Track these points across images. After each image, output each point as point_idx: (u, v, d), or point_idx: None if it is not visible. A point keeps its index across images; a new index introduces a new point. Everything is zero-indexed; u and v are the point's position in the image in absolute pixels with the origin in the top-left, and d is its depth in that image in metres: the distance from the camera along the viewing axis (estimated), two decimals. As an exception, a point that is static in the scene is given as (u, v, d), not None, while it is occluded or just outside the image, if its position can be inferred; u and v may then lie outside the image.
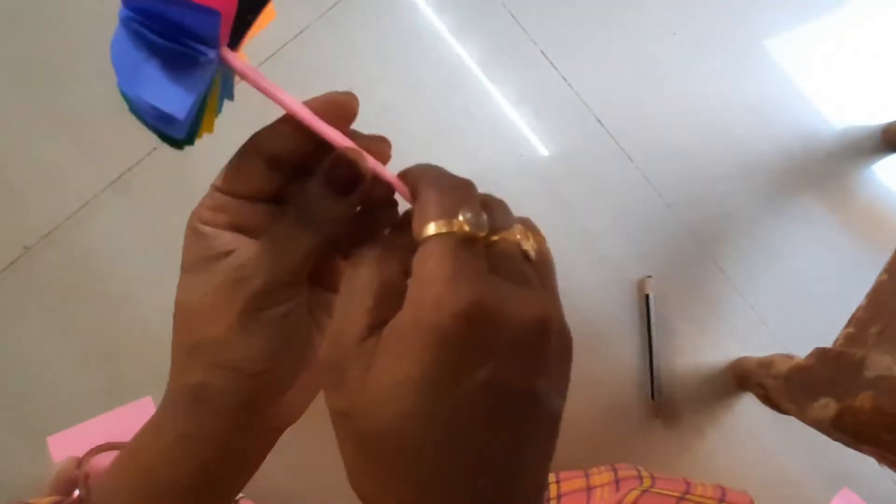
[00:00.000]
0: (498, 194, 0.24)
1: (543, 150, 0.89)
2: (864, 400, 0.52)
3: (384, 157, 0.24)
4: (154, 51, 0.19)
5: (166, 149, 0.23)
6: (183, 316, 0.24)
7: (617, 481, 0.51)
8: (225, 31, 0.20)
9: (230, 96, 0.24)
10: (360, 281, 0.21)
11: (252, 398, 0.24)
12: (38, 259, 0.83)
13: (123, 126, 0.87)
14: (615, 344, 0.87)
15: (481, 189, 0.23)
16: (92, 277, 0.84)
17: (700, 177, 0.90)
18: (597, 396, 0.85)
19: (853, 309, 0.64)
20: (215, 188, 0.24)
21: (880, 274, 0.64)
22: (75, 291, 0.84)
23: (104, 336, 0.83)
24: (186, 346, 0.24)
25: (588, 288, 0.86)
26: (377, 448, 0.20)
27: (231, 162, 0.24)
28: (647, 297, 0.86)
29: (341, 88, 0.23)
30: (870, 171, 0.93)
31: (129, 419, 0.82)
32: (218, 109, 0.23)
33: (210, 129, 0.23)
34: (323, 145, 0.22)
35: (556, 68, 0.90)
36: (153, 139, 0.21)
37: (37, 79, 0.86)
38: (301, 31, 0.87)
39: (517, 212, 0.24)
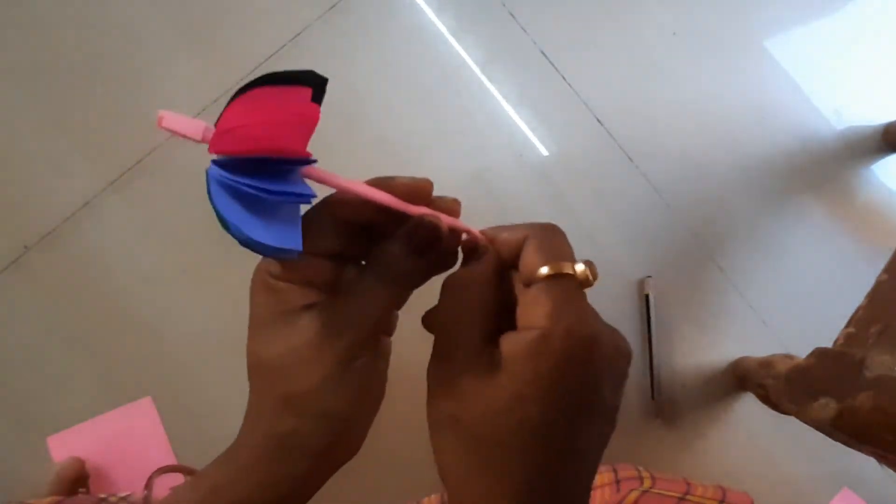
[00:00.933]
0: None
1: (543, 150, 0.89)
2: (864, 400, 0.52)
3: (455, 214, 0.27)
4: (262, 205, 0.21)
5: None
6: (268, 369, 0.25)
7: (617, 481, 0.51)
8: (305, 145, 0.21)
9: None
10: (469, 300, 0.25)
11: (334, 443, 0.26)
12: (38, 259, 0.83)
13: (123, 126, 0.88)
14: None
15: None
16: (92, 277, 0.84)
17: (700, 176, 0.90)
18: (597, 396, 0.85)
19: (853, 309, 0.64)
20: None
21: (880, 274, 0.64)
22: (75, 291, 0.84)
23: (104, 336, 0.83)
24: (277, 397, 0.25)
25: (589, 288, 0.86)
26: (492, 451, 0.23)
27: (305, 219, 0.25)
28: (647, 297, 0.86)
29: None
30: (870, 171, 0.93)
31: (128, 419, 0.82)
32: None
33: None
34: (392, 214, 0.24)
35: (556, 68, 0.90)
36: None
37: (37, 79, 0.86)
38: (301, 31, 0.87)
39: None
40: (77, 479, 0.77)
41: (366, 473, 0.83)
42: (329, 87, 0.23)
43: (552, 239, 0.25)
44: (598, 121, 0.90)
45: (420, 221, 0.24)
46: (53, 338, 0.83)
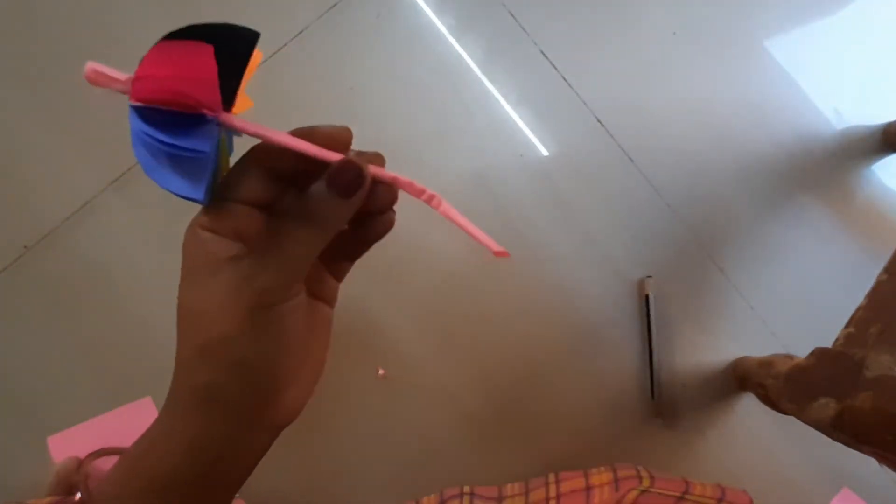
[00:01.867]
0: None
1: (543, 150, 0.89)
2: (864, 400, 0.52)
3: (376, 162, 0.27)
4: (166, 156, 0.22)
5: None
6: (189, 318, 0.25)
7: (616, 481, 0.51)
8: (216, 100, 0.22)
9: (231, 149, 0.26)
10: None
11: (258, 395, 0.25)
12: (38, 259, 0.83)
13: (123, 126, 0.87)
14: (615, 344, 0.87)
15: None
16: (92, 277, 0.84)
17: (700, 176, 0.90)
18: (596, 396, 0.85)
19: (853, 309, 0.64)
20: (217, 199, 0.25)
21: (880, 274, 0.64)
22: (75, 291, 0.84)
23: (104, 336, 0.83)
24: (194, 347, 0.24)
25: (588, 288, 0.86)
26: None
27: (231, 171, 0.25)
28: (647, 297, 0.86)
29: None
30: (870, 171, 0.93)
31: (129, 419, 0.82)
32: (227, 158, 0.26)
33: (225, 172, 0.26)
34: (317, 160, 0.25)
35: (556, 68, 0.90)
36: None
37: (37, 79, 0.86)
38: (301, 31, 0.87)
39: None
40: (77, 480, 0.77)
41: (366, 474, 0.83)
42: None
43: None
44: (598, 121, 0.90)
45: (342, 161, 0.24)
46: (53, 338, 0.83)
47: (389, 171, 0.26)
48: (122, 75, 0.22)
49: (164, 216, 0.85)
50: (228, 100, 0.23)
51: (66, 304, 0.83)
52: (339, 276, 0.31)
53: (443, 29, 0.89)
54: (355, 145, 0.28)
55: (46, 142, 0.85)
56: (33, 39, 0.86)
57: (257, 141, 0.24)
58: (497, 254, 0.27)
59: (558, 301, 0.86)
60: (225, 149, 0.25)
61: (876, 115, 0.93)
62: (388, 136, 0.87)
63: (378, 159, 0.27)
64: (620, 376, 0.87)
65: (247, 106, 0.25)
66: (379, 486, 0.82)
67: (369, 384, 0.82)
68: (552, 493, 0.53)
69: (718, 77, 0.92)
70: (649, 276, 0.87)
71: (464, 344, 0.85)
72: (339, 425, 0.82)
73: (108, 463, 0.81)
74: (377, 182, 0.26)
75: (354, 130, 0.26)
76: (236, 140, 0.27)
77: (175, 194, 0.23)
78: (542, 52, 0.90)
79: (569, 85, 0.90)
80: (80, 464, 0.76)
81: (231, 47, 0.23)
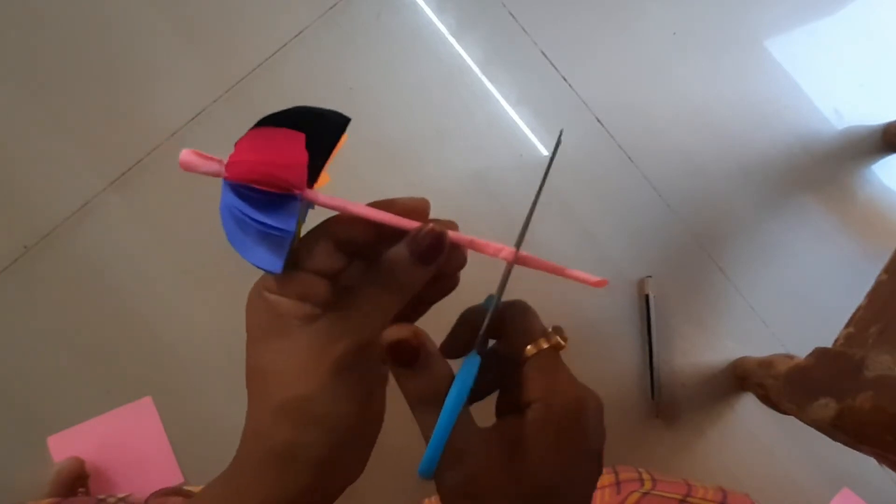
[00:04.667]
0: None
1: (543, 150, 0.89)
2: (864, 400, 0.52)
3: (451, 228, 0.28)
4: (253, 230, 0.24)
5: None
6: (265, 379, 0.25)
7: (618, 483, 0.51)
8: (303, 181, 0.24)
9: (304, 218, 0.27)
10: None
11: (336, 453, 0.26)
12: (38, 259, 0.83)
13: (123, 126, 0.88)
14: (615, 344, 0.87)
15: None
16: (92, 277, 0.84)
17: (700, 177, 0.90)
18: (597, 396, 0.85)
19: (853, 309, 0.64)
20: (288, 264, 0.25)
21: (880, 274, 0.64)
22: (75, 291, 0.83)
23: (104, 336, 0.83)
24: (272, 408, 0.25)
25: (588, 288, 0.86)
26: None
27: (303, 240, 0.26)
28: (647, 297, 0.86)
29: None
30: (870, 171, 0.93)
31: (129, 419, 0.82)
32: (302, 223, 0.27)
33: (298, 239, 0.27)
34: (386, 232, 0.26)
35: (556, 68, 0.90)
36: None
37: (37, 79, 0.86)
38: (301, 31, 0.87)
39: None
40: (77, 479, 0.77)
41: (366, 474, 0.83)
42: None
43: (524, 319, 0.28)
44: (598, 121, 0.90)
45: (425, 227, 0.25)
46: (53, 338, 0.83)
47: (466, 235, 0.27)
48: (215, 160, 0.23)
49: (164, 216, 0.85)
50: (313, 177, 0.25)
51: (65, 303, 0.83)
52: (395, 312, 0.31)
53: (443, 29, 0.89)
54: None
55: (47, 142, 0.85)
56: (33, 40, 0.86)
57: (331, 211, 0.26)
58: (596, 284, 0.28)
59: (558, 301, 0.86)
60: (301, 219, 0.27)
61: (876, 115, 0.93)
62: (387, 135, 0.87)
63: (452, 226, 0.27)
64: (620, 376, 0.87)
65: (325, 181, 0.26)
66: (380, 488, 0.82)
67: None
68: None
69: (718, 77, 0.92)
70: (649, 276, 0.87)
71: (464, 344, 0.85)
72: (340, 425, 0.82)
73: (109, 462, 0.81)
74: (453, 247, 0.26)
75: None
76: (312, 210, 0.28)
77: (254, 264, 0.24)
78: (542, 52, 0.90)
79: (569, 85, 0.90)
80: (81, 464, 0.76)
81: (322, 130, 0.25)
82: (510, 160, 0.88)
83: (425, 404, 0.25)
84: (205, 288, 0.84)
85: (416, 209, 0.26)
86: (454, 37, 0.89)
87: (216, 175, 0.23)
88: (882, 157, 0.93)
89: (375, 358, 0.27)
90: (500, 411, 0.28)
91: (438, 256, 0.25)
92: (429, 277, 0.26)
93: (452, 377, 0.25)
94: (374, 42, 0.88)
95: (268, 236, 0.24)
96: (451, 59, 0.89)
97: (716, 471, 0.87)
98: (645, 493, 0.48)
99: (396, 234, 0.25)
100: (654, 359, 0.85)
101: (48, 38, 0.86)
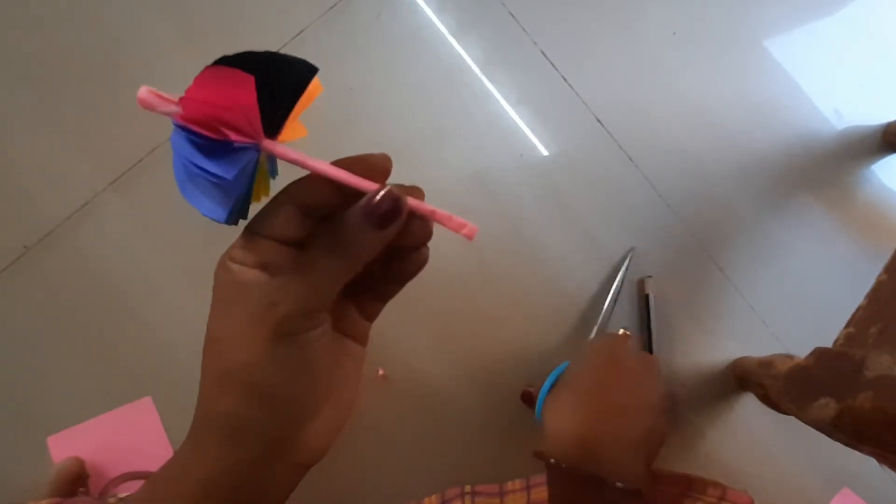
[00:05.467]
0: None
1: (543, 151, 0.89)
2: (864, 400, 0.52)
3: (416, 195, 0.27)
4: (197, 177, 0.23)
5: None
6: (212, 345, 0.25)
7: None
8: (255, 128, 0.23)
9: (275, 174, 0.27)
10: None
11: (279, 427, 0.25)
12: (38, 259, 0.83)
13: (123, 126, 0.88)
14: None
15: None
16: (92, 277, 0.84)
17: (700, 177, 0.90)
18: (597, 396, 0.85)
19: (853, 309, 0.64)
20: (247, 230, 0.25)
21: (880, 274, 0.64)
22: (75, 291, 0.84)
23: (104, 336, 0.83)
24: (215, 375, 0.25)
25: (588, 288, 0.86)
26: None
27: (265, 207, 0.25)
28: (647, 297, 0.86)
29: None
30: (870, 171, 0.93)
31: (129, 419, 0.82)
32: (268, 182, 0.27)
33: (259, 199, 0.26)
34: (352, 196, 0.25)
35: (556, 68, 0.90)
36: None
37: (37, 79, 0.86)
38: (301, 31, 0.87)
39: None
40: (77, 479, 0.77)
41: (367, 474, 0.83)
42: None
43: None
44: (598, 121, 0.90)
45: (382, 189, 0.23)
46: (53, 338, 0.83)
47: (428, 205, 0.25)
48: (174, 101, 0.22)
49: (164, 216, 0.85)
50: (275, 128, 0.24)
51: (66, 304, 0.83)
52: (371, 317, 0.30)
53: (443, 29, 0.89)
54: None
55: (46, 142, 0.85)
56: (32, 39, 0.86)
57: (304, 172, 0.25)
58: (466, 234, 0.26)
59: (558, 300, 0.86)
60: (266, 173, 0.26)
61: (876, 115, 0.93)
62: (387, 136, 0.87)
63: (417, 192, 0.26)
64: (620, 376, 0.87)
65: (299, 134, 0.25)
66: (379, 487, 0.82)
67: (369, 384, 0.82)
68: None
69: (718, 77, 0.92)
70: (649, 276, 0.87)
71: (464, 344, 0.85)
72: (340, 425, 0.82)
73: (109, 462, 0.81)
74: (413, 215, 0.25)
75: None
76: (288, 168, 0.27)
77: (201, 212, 0.24)
78: (542, 52, 0.90)
79: (569, 85, 0.90)
80: (102, 490, 0.76)
81: (284, 78, 0.23)
82: (510, 160, 0.88)
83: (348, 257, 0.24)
84: (205, 288, 0.84)
85: (376, 166, 0.25)
86: (454, 37, 0.89)
87: (172, 114, 0.22)
88: (882, 157, 0.93)
89: (324, 326, 0.25)
90: None
91: (394, 221, 0.24)
92: (383, 245, 0.24)
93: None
94: (374, 42, 0.88)
95: (210, 185, 0.23)
96: (451, 59, 0.89)
97: (716, 471, 0.87)
98: (645, 492, 0.48)
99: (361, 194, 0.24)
100: (654, 359, 0.85)
101: (48, 39, 0.86)
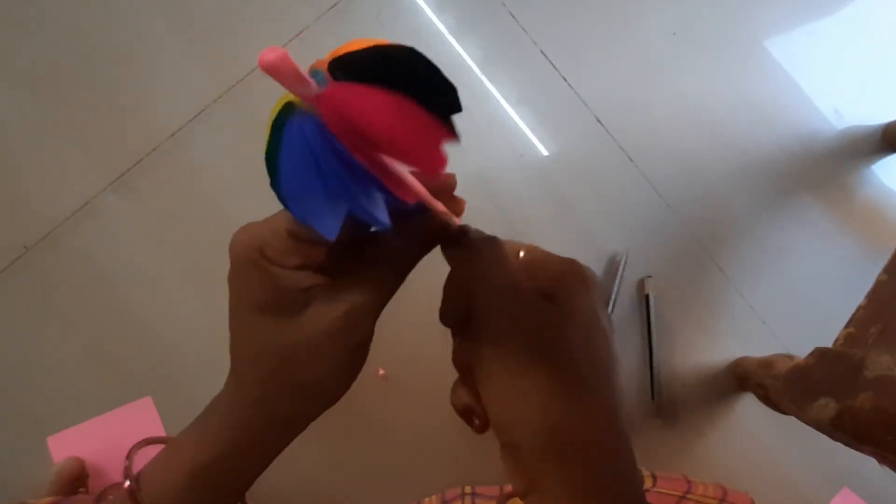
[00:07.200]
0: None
1: (543, 150, 0.89)
2: (864, 400, 0.52)
3: (460, 213, 0.29)
4: (323, 182, 0.19)
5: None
6: (279, 358, 0.25)
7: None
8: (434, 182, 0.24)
9: None
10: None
11: (319, 414, 0.27)
12: (38, 259, 0.83)
13: (123, 126, 0.88)
14: (615, 344, 0.87)
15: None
16: (92, 277, 0.84)
17: (700, 177, 0.90)
18: (597, 396, 0.85)
19: (853, 309, 0.64)
20: (288, 233, 0.24)
21: (880, 274, 0.64)
22: (75, 291, 0.83)
23: (104, 336, 0.83)
24: (288, 386, 0.25)
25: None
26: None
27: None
28: (647, 297, 0.86)
29: None
30: (870, 171, 0.93)
31: (129, 419, 0.82)
32: None
33: None
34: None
35: (556, 68, 0.90)
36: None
37: (38, 80, 0.86)
38: (301, 31, 0.87)
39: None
40: (77, 479, 0.77)
41: (367, 474, 0.83)
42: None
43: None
44: (598, 121, 0.90)
45: (434, 217, 0.26)
46: (54, 338, 0.83)
47: (454, 219, 0.27)
48: (311, 80, 0.17)
49: (164, 216, 0.85)
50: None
51: (65, 303, 0.83)
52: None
53: (443, 29, 0.89)
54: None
55: (46, 142, 0.85)
56: (34, 40, 0.86)
57: None
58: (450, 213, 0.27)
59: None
60: None
61: (876, 115, 0.93)
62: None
63: (461, 207, 0.29)
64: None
65: None
66: (379, 486, 0.82)
67: (369, 384, 0.82)
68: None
69: (718, 77, 0.92)
70: (649, 276, 0.87)
71: (464, 344, 0.85)
72: (339, 425, 0.82)
73: (109, 462, 0.81)
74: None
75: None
76: None
77: (305, 222, 0.20)
78: (542, 52, 0.90)
79: (569, 85, 0.90)
80: (128, 454, 0.76)
81: (443, 108, 0.19)
82: (510, 160, 0.88)
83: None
84: (205, 287, 0.84)
85: (443, 187, 0.27)
86: (454, 37, 0.89)
87: (303, 97, 0.17)
88: (882, 157, 0.93)
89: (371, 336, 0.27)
90: None
91: (441, 241, 0.27)
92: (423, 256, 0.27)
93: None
94: (374, 42, 0.88)
95: (330, 197, 0.19)
96: (451, 59, 0.89)
97: (716, 471, 0.87)
98: (646, 491, 0.48)
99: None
100: (654, 359, 0.85)
101: (49, 39, 0.86)
